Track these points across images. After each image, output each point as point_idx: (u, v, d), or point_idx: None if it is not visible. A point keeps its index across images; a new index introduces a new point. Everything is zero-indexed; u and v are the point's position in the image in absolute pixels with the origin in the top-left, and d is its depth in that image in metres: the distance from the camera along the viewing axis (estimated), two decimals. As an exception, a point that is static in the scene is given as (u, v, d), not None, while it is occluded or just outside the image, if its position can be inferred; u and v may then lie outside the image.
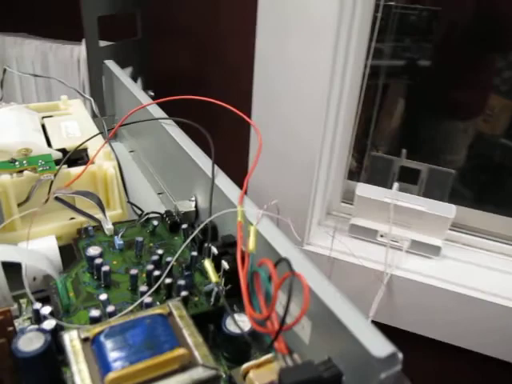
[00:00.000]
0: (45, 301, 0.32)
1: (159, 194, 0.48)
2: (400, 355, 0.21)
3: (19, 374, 0.27)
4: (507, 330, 0.82)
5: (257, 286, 0.26)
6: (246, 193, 0.33)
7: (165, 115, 0.44)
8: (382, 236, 0.92)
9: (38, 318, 0.31)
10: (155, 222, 0.38)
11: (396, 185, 0.90)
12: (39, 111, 0.51)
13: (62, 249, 0.37)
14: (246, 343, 0.29)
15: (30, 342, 0.26)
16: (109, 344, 0.24)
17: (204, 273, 0.34)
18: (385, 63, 1.11)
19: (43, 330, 0.27)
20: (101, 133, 0.42)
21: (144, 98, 0.48)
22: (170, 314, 0.27)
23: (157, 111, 0.46)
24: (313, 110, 0.83)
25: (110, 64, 0.58)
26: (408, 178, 0.98)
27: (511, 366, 0.85)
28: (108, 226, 0.37)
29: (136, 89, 0.51)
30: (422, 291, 0.87)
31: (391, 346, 0.21)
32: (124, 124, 0.43)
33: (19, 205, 0.38)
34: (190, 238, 0.32)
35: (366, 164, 1.08)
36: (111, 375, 0.23)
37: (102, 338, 0.25)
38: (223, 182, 0.35)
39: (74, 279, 0.33)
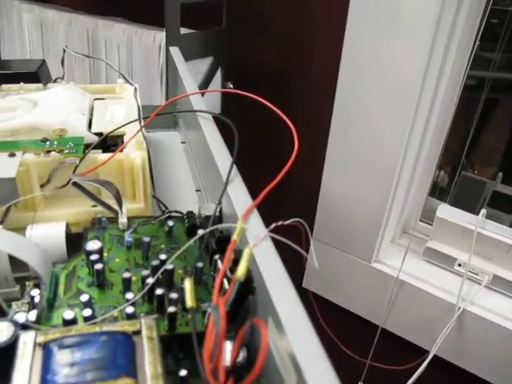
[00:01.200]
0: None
1: (197, 191, 0.46)
2: None
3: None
4: None
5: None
6: (258, 206, 0.28)
7: (205, 108, 0.41)
8: (459, 265, 0.83)
9: (33, 305, 0.30)
10: (170, 223, 0.35)
11: (484, 211, 0.80)
12: (95, 93, 0.50)
13: (78, 236, 0.36)
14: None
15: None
16: (56, 356, 0.22)
17: (209, 288, 0.31)
18: (492, 75, 1.00)
19: (15, 322, 0.25)
20: (136, 120, 0.40)
21: (192, 87, 0.45)
22: (139, 332, 0.24)
23: (201, 104, 0.43)
24: (398, 114, 0.76)
25: (174, 51, 0.56)
26: (500, 205, 0.87)
27: None
28: (122, 220, 0.35)
29: (188, 78, 0.48)
30: (499, 335, 0.77)
31: None
32: (159, 114, 0.40)
33: (42, 186, 0.37)
34: (186, 245, 0.29)
35: (456, 183, 0.98)
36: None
37: (52, 347, 0.22)
38: (237, 188, 0.31)
39: (70, 271, 0.31)
